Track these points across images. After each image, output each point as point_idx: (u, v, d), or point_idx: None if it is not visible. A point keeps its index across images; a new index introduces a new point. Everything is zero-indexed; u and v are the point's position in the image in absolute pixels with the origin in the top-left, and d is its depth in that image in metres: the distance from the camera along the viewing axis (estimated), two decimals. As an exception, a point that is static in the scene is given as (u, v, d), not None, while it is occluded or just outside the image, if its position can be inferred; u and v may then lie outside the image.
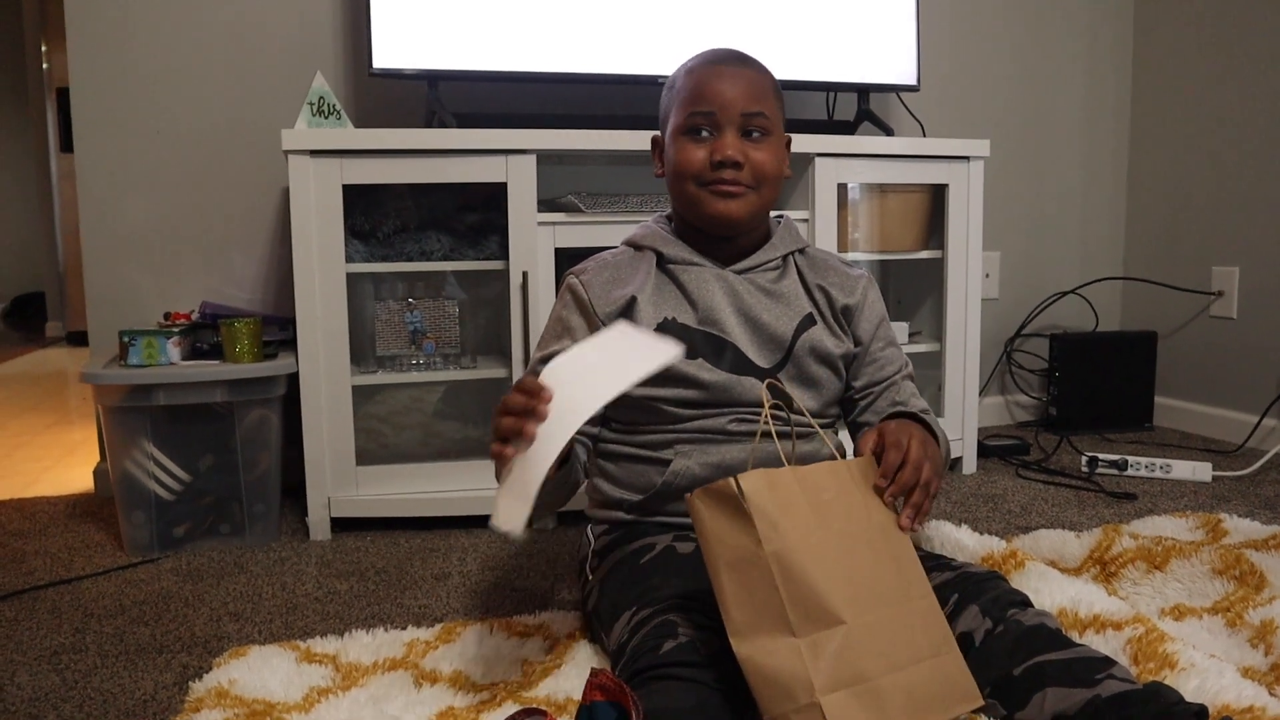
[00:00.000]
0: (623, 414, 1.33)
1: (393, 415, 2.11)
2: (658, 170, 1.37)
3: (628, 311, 1.30)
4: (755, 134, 1.28)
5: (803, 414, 1.30)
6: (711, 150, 1.27)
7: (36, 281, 6.46)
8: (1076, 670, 1.01)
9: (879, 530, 1.05)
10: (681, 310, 1.31)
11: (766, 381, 1.18)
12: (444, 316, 2.05)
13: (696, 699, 0.94)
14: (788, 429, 1.30)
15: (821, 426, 1.33)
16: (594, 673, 0.96)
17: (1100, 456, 2.24)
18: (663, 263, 1.34)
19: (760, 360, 1.31)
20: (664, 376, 1.27)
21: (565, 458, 1.22)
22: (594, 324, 1.31)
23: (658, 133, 1.39)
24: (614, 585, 1.22)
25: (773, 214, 1.41)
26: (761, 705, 0.95)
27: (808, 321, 1.33)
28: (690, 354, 1.28)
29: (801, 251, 1.39)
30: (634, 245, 1.38)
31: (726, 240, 1.34)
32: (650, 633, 1.04)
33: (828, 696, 0.91)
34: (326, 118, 1.92)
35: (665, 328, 1.29)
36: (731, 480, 0.99)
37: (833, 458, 1.23)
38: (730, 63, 1.31)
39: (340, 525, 1.93)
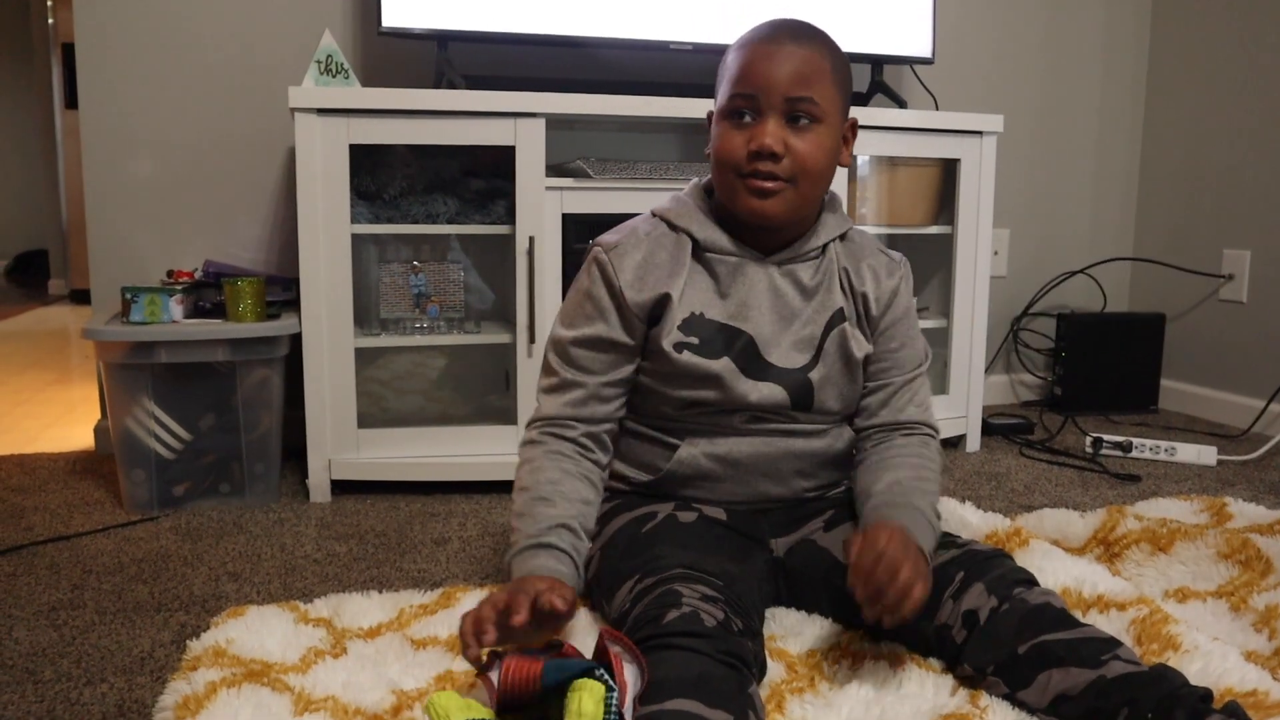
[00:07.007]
0: (638, 398, 1.30)
1: (395, 379, 2.10)
2: (708, 149, 1.26)
3: (660, 306, 1.23)
4: (802, 120, 1.17)
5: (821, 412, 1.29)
6: (750, 137, 1.18)
7: (39, 238, 6.43)
8: (1082, 650, 1.01)
9: None
10: (711, 304, 1.24)
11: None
12: (449, 280, 2.03)
13: (699, 670, 0.93)
14: (801, 427, 1.28)
15: (837, 424, 1.31)
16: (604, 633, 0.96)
17: (1105, 438, 2.23)
18: (698, 250, 1.25)
19: (788, 361, 1.25)
20: (684, 376, 1.24)
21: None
22: (625, 313, 1.23)
23: (712, 106, 1.26)
24: (615, 553, 1.21)
25: None
26: None
27: (838, 318, 1.27)
28: (713, 353, 1.22)
29: (843, 236, 1.30)
30: (668, 222, 1.27)
31: (765, 230, 1.26)
32: (653, 602, 1.03)
33: None
34: (334, 76, 1.89)
35: (690, 323, 1.23)
36: None
37: (847, 453, 1.31)
38: (783, 39, 1.18)
39: (340, 488, 1.93)
